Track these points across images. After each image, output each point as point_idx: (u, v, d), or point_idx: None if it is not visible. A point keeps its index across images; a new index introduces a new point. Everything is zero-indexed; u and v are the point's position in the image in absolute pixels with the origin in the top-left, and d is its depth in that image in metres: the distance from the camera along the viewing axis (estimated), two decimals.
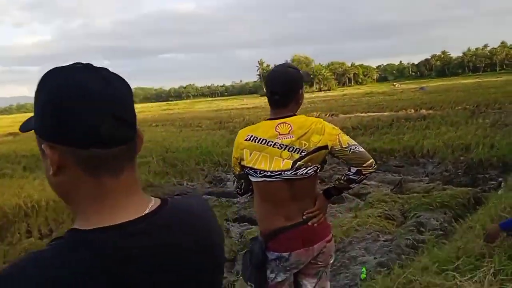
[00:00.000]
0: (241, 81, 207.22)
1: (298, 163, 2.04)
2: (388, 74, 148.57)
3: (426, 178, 8.73)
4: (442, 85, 57.97)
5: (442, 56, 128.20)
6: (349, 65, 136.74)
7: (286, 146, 2.04)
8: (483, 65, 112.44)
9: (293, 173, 2.04)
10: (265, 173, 2.06)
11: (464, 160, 9.41)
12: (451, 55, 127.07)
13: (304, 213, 2.15)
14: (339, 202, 7.73)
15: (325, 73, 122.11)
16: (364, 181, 7.91)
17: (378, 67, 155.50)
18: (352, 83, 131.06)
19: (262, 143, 2.07)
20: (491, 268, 2.89)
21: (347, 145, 2.09)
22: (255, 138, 2.09)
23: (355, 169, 2.08)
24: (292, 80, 2.14)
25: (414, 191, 7.84)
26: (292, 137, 2.04)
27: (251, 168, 2.10)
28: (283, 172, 2.04)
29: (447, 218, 6.19)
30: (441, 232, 5.66)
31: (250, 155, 2.09)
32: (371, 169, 2.11)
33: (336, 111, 29.37)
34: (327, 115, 27.03)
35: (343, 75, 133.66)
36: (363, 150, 2.12)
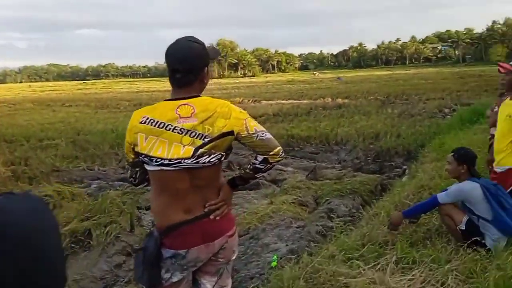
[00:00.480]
0: (164, 62, 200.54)
1: (200, 150, 1.84)
2: (309, 63, 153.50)
3: (339, 165, 9.06)
4: (357, 76, 61.26)
5: (359, 48, 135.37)
6: (273, 52, 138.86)
7: (188, 130, 1.83)
8: (395, 58, 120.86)
9: (194, 161, 1.84)
10: (162, 161, 1.84)
11: (374, 148, 9.92)
12: (366, 47, 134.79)
13: (206, 205, 1.95)
14: (255, 188, 7.74)
15: (249, 59, 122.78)
16: (282, 167, 7.96)
17: (300, 55, 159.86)
18: (276, 70, 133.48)
19: (160, 126, 1.83)
20: (394, 256, 2.97)
21: (254, 131, 1.91)
22: (152, 120, 1.84)
23: (262, 157, 1.92)
24: (196, 56, 1.90)
25: (327, 178, 8.09)
26: (195, 121, 1.83)
27: (146, 155, 1.86)
28: (182, 160, 1.83)
29: (356, 204, 6.45)
30: (349, 218, 5.87)
31: (145, 140, 1.85)
32: (278, 157, 1.95)
33: (259, 97, 29.58)
34: (250, 101, 27.14)
35: (267, 62, 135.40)
36: (271, 137, 1.96)
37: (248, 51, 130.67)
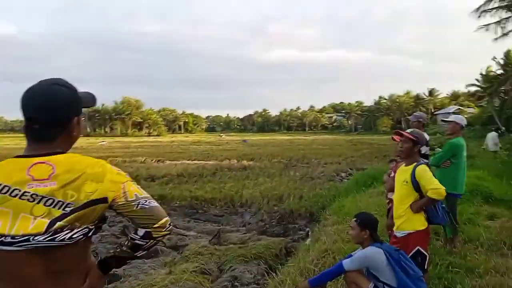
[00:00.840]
0: None
1: (58, 223, 1.39)
2: (216, 125, 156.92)
3: (244, 228, 8.81)
4: (262, 139, 63.65)
5: (263, 113, 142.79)
6: (180, 113, 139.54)
7: (42, 197, 1.39)
8: (296, 124, 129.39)
9: (48, 238, 1.38)
10: (2, 238, 1.36)
11: (278, 210, 9.93)
12: (270, 113, 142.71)
13: None
14: (153, 256, 7.07)
15: (155, 118, 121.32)
16: (184, 231, 7.44)
17: (207, 117, 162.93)
18: (182, 131, 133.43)
19: (3, 191, 1.38)
20: None
21: (134, 198, 1.52)
22: None
23: (143, 231, 1.52)
24: (64, 103, 1.50)
25: (231, 242, 7.75)
26: (53, 185, 1.41)
27: None
28: (32, 237, 1.36)
29: (261, 270, 6.16)
30: (254, 286, 5.55)
31: None
32: (165, 231, 1.55)
33: (163, 157, 28.77)
34: (154, 161, 26.24)
35: (174, 122, 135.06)
36: (156, 205, 1.57)
37: (154, 110, 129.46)
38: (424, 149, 5.30)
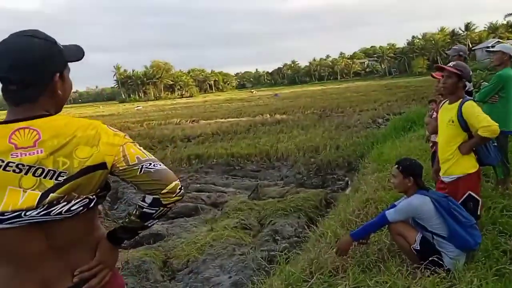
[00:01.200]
0: (96, 87, 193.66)
1: (52, 195, 1.23)
2: (246, 81, 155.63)
3: (281, 181, 8.76)
4: (293, 92, 62.78)
5: (292, 65, 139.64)
6: (209, 72, 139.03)
7: (30, 167, 1.22)
8: (327, 73, 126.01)
9: (43, 212, 1.22)
10: None
11: (315, 161, 9.78)
12: (299, 65, 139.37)
13: (75, 274, 1.35)
14: (194, 214, 7.19)
15: (185, 80, 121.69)
16: (223, 188, 7.50)
17: (236, 74, 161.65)
18: (213, 90, 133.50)
19: None
20: (346, 286, 2.61)
21: (136, 162, 1.32)
22: None
23: (151, 198, 1.32)
24: (38, 58, 1.27)
25: (270, 196, 7.74)
26: (40, 152, 1.23)
27: None
28: (23, 213, 1.21)
29: (301, 222, 6.13)
30: (296, 239, 5.52)
31: None
32: (175, 196, 1.34)
33: (197, 117, 28.99)
34: (188, 121, 26.50)
35: (204, 82, 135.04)
36: (163, 167, 1.36)
37: (183, 72, 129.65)
38: (468, 85, 4.92)
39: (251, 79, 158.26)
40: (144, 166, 1.32)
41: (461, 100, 2.97)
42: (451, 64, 3.08)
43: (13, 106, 1.29)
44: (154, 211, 1.34)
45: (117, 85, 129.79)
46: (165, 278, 4.94)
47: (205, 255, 5.18)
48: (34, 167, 1.22)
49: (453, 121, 2.95)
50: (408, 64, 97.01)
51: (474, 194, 2.93)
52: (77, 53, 1.41)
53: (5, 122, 1.27)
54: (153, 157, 1.37)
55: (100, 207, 1.49)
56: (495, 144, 3.10)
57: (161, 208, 1.34)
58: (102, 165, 1.29)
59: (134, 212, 1.37)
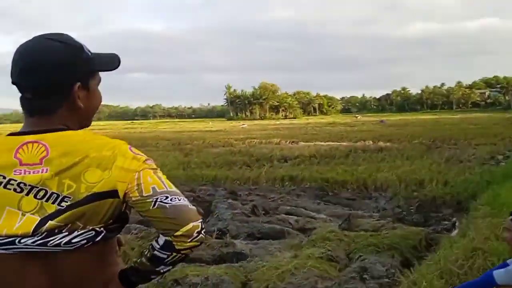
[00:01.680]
0: (208, 104, 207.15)
1: (50, 222, 1.06)
2: (351, 106, 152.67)
3: (377, 214, 8.12)
4: (401, 120, 59.58)
5: (402, 92, 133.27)
6: (314, 95, 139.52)
7: (32, 187, 1.07)
8: (440, 102, 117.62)
9: (38, 242, 1.06)
10: None
11: (417, 196, 8.93)
12: (410, 92, 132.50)
13: None
14: (281, 237, 6.97)
15: (290, 102, 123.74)
16: (313, 214, 7.25)
17: (342, 98, 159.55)
18: (317, 113, 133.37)
19: None
20: None
21: (150, 193, 1.11)
22: None
23: (164, 239, 1.12)
24: (56, 63, 1.12)
25: (362, 228, 7.18)
26: (45, 171, 1.08)
27: None
28: (18, 239, 1.06)
29: (395, 263, 5.52)
30: (386, 280, 4.97)
31: None
32: (192, 241, 1.11)
33: (297, 138, 29.03)
34: (288, 142, 26.64)
35: (309, 104, 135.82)
36: (183, 203, 1.13)
37: (289, 94, 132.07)
38: None
39: (357, 104, 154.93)
40: (158, 200, 1.10)
41: None
42: None
43: (28, 117, 1.16)
44: (166, 256, 1.12)
45: (226, 104, 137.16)
46: None
47: (285, 283, 4.91)
48: (37, 188, 1.07)
49: None
50: None
51: None
52: (110, 62, 1.25)
53: (16, 133, 1.16)
54: (174, 189, 1.14)
55: (121, 237, 1.33)
56: None
57: (174, 254, 1.12)
58: (113, 193, 1.10)
59: (146, 253, 1.17)
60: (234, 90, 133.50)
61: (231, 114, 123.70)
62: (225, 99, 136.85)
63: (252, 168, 13.61)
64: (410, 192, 9.33)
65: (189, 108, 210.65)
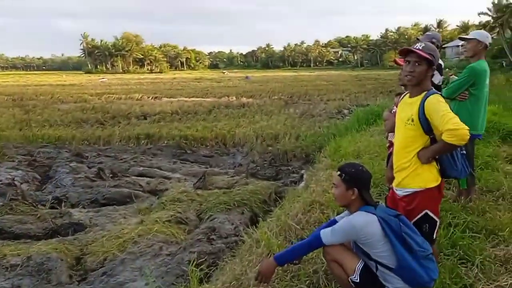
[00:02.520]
0: (62, 55, 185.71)
1: None
2: (219, 61, 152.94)
3: (233, 170, 8.07)
4: (265, 76, 61.84)
5: (267, 49, 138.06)
6: (182, 49, 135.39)
7: None
8: (300, 60, 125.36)
9: None
10: None
11: (271, 150, 9.15)
12: (274, 49, 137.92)
13: None
14: (128, 201, 6.41)
15: (156, 55, 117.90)
16: (168, 173, 6.75)
17: (210, 53, 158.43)
18: (185, 68, 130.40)
19: None
20: None
21: None
22: None
23: None
24: None
25: (217, 186, 7.06)
26: None
27: None
28: None
29: (244, 219, 5.49)
30: (234, 238, 4.88)
31: None
32: None
33: (161, 94, 27.79)
34: (150, 98, 25.33)
35: (176, 59, 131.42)
36: None
37: (155, 46, 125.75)
38: (438, 79, 4.34)
39: (224, 59, 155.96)
40: None
41: (425, 93, 2.29)
42: (418, 45, 2.41)
43: None
44: None
45: (83, 55, 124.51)
46: (73, 279, 4.19)
47: (125, 254, 4.46)
48: None
49: (412, 120, 2.28)
50: (380, 57, 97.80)
51: (432, 214, 2.32)
52: None
53: None
54: None
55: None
56: (463, 151, 2.47)
57: None
58: None
59: None
60: (92, 40, 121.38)
61: (90, 67, 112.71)
62: (81, 49, 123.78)
63: (106, 127, 12.46)
64: (265, 147, 9.54)
65: (38, 59, 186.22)
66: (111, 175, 7.37)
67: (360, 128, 9.16)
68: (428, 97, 2.26)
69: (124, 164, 8.30)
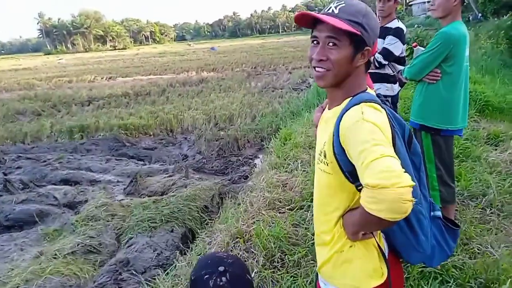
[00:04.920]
0: (20, 37, 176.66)
1: None
2: (186, 33, 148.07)
3: (172, 166, 6.88)
4: (231, 46, 59.78)
5: (233, 17, 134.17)
6: (145, 22, 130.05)
7: None
8: (268, 26, 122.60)
9: None
10: None
11: (221, 136, 7.98)
12: (240, 17, 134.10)
13: None
14: (39, 221, 5.17)
15: (118, 30, 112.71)
16: (97, 176, 5.37)
17: (175, 25, 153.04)
18: (150, 42, 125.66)
19: None
20: None
21: None
22: None
23: None
24: None
25: (150, 190, 5.90)
26: None
27: None
28: None
29: (172, 241, 4.36)
30: (155, 271, 3.77)
31: None
32: None
33: (116, 73, 25.92)
34: (105, 78, 23.51)
35: (139, 33, 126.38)
36: None
37: (116, 22, 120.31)
38: (400, 48, 3.22)
39: (191, 30, 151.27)
40: None
41: (348, 100, 1.18)
42: (333, 6, 1.18)
43: None
44: None
45: (41, 36, 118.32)
46: None
47: None
48: None
49: (325, 155, 1.18)
50: None
51: None
52: None
53: None
54: None
55: None
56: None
57: None
58: None
59: None
60: (49, 19, 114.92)
61: (49, 48, 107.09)
62: (39, 30, 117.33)
63: (40, 119, 10.96)
64: (216, 133, 8.35)
65: None
66: (21, 186, 6.07)
67: (321, 102, 8.06)
68: (347, 110, 1.13)
69: (45, 168, 6.99)
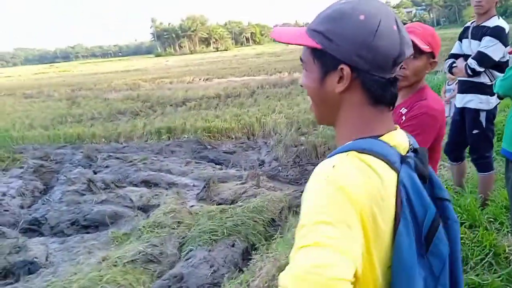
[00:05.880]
0: (136, 40, 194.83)
1: None
2: None
3: (246, 172, 6.65)
4: None
5: None
6: (246, 25, 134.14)
7: None
8: None
9: None
10: None
11: (302, 142, 7.57)
12: None
13: None
14: (113, 223, 5.33)
15: (221, 33, 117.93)
16: (175, 179, 5.34)
17: (275, 26, 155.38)
18: (250, 43, 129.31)
19: None
20: None
21: None
22: None
23: None
24: None
25: (221, 198, 5.76)
26: None
27: None
28: None
29: (232, 257, 4.12)
30: None
31: None
32: None
33: (213, 74, 26.89)
34: (202, 80, 24.50)
35: (241, 35, 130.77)
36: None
37: (220, 24, 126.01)
38: (498, 52, 2.53)
39: None
40: None
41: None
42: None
43: None
44: None
45: (153, 38, 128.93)
46: None
47: None
48: None
49: None
50: (459, 13, 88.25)
51: None
52: None
53: None
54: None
55: None
56: None
57: None
58: None
59: None
60: (161, 23, 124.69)
61: (159, 50, 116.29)
62: (151, 33, 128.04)
63: (136, 119, 11.64)
64: (295, 138, 7.96)
65: (114, 46, 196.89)
66: (103, 186, 6.36)
67: None
68: (329, 157, 0.84)
69: (130, 168, 7.28)
